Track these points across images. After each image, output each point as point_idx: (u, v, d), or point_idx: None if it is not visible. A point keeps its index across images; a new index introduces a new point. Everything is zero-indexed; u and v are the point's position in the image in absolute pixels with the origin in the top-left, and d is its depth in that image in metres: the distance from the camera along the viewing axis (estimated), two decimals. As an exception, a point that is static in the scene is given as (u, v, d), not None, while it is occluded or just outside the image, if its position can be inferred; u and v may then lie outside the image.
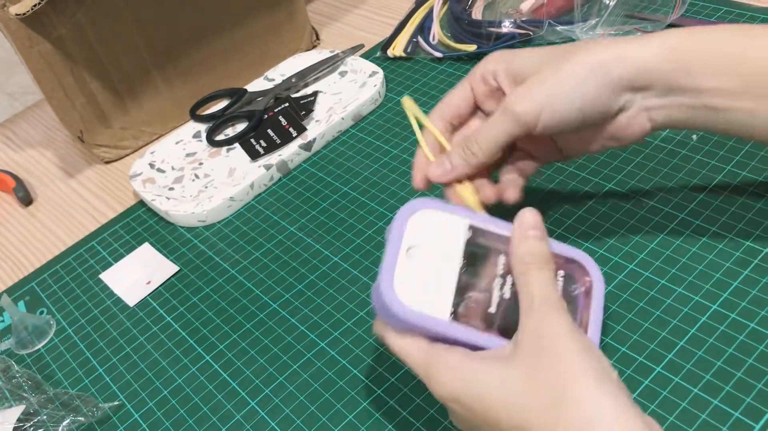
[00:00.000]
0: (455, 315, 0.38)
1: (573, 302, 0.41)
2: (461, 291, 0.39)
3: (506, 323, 0.39)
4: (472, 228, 0.40)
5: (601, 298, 0.42)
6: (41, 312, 0.62)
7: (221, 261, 0.62)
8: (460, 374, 0.38)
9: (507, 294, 0.39)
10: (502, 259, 0.40)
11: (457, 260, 0.39)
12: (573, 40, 0.73)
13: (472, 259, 0.39)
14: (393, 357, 0.48)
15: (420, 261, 0.39)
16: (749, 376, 0.44)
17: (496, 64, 0.47)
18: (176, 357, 0.55)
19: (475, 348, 0.38)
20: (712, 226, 0.53)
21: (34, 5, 0.64)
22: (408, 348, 0.40)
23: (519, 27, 0.74)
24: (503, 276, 0.39)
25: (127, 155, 0.80)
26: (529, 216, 0.41)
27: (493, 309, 0.39)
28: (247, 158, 0.71)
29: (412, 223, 0.39)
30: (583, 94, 0.42)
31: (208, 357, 0.54)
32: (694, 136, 0.60)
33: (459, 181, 0.46)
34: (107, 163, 0.79)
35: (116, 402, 0.53)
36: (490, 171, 0.49)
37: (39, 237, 0.72)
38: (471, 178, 0.46)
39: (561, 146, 0.49)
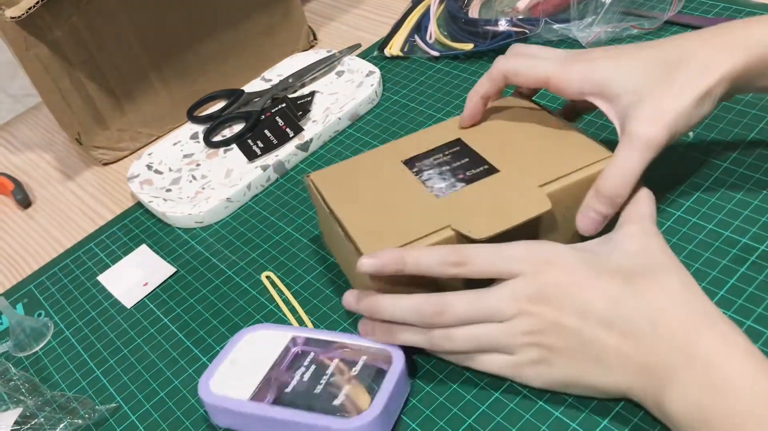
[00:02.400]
0: (254, 397, 0.47)
1: (374, 377, 0.47)
2: (266, 380, 0.48)
3: (294, 398, 0.46)
4: (293, 338, 0.50)
5: (394, 379, 0.46)
6: (39, 315, 0.62)
7: (218, 263, 0.62)
8: None
9: (305, 378, 0.47)
10: (311, 355, 0.49)
11: (271, 360, 0.49)
12: (569, 39, 0.73)
13: (283, 358, 0.49)
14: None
15: (239, 367, 0.49)
16: (746, 374, 0.44)
17: (563, 71, 0.50)
18: (173, 358, 0.55)
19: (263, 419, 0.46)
20: (709, 224, 0.53)
21: (29, 8, 0.64)
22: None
23: (515, 25, 0.74)
24: (307, 366, 0.48)
25: (125, 157, 0.80)
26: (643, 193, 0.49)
27: (288, 389, 0.47)
28: (244, 159, 0.71)
29: (241, 343, 0.51)
30: (702, 114, 0.47)
31: (204, 359, 0.54)
32: (691, 133, 0.60)
33: None
34: (105, 164, 0.79)
35: (113, 404, 0.53)
36: None
37: (37, 239, 0.72)
38: None
39: None
